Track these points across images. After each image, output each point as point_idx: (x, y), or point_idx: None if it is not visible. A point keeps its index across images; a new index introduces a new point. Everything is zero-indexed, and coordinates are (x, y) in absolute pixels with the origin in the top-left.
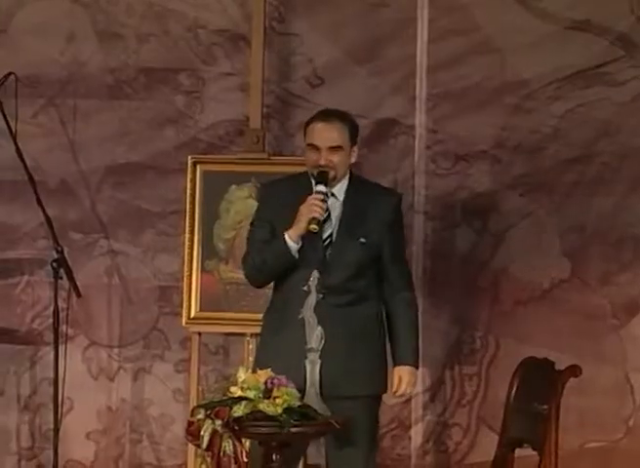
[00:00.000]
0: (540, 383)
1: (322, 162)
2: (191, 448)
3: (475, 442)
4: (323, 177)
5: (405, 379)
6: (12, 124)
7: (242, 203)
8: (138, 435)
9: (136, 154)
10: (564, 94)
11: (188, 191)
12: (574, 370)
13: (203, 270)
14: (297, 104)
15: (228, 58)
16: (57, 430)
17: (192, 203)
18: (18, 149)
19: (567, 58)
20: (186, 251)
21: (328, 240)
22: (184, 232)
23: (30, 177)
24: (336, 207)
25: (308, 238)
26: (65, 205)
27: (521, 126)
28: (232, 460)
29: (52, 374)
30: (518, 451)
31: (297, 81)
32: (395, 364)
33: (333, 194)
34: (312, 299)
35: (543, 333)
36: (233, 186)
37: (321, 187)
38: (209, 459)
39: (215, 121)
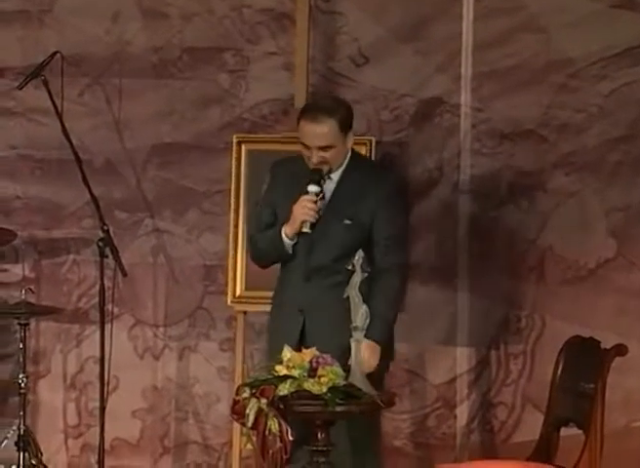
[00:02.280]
0: (586, 362)
1: (314, 160)
2: (236, 426)
3: (520, 421)
4: (316, 177)
5: (365, 354)
6: (57, 103)
7: None
8: (183, 413)
9: (181, 133)
10: (610, 72)
11: (233, 170)
12: (619, 349)
13: (248, 249)
14: (342, 83)
15: (273, 37)
16: (103, 408)
17: (237, 182)
18: (63, 128)
19: (613, 36)
20: (231, 230)
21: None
22: (229, 211)
23: (76, 156)
24: (329, 188)
25: None
26: (111, 184)
27: (567, 105)
28: (277, 439)
29: (98, 353)
30: (564, 430)
31: (341, 60)
32: None
33: (329, 176)
34: (357, 278)
35: (589, 312)
36: None
37: (313, 187)
38: (254, 438)
39: (259, 100)
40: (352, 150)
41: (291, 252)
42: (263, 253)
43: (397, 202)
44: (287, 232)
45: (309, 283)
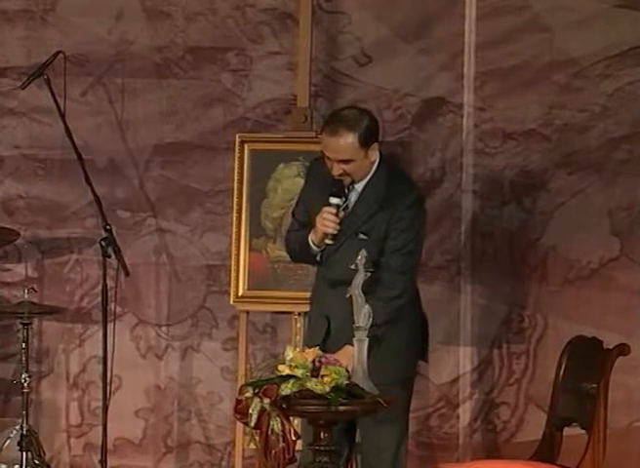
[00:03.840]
0: (589, 362)
1: (334, 172)
2: (239, 426)
3: (523, 420)
4: (337, 189)
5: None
6: (60, 102)
7: (290, 181)
8: (186, 413)
9: (183, 133)
10: (613, 72)
11: (236, 170)
12: (622, 349)
13: (251, 249)
14: (344, 83)
15: (276, 36)
16: (106, 408)
17: (240, 182)
18: (66, 128)
19: (616, 35)
20: (234, 229)
21: None
22: (232, 211)
23: (79, 156)
24: (352, 199)
25: None
26: (114, 183)
27: (570, 104)
28: (280, 438)
29: (100, 353)
30: (566, 430)
31: (344, 59)
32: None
33: (353, 187)
34: (360, 278)
35: (592, 312)
36: (281, 165)
37: (335, 200)
38: (257, 437)
39: (262, 100)
40: (382, 161)
41: (319, 258)
42: (295, 253)
43: (413, 223)
44: (313, 239)
45: (334, 290)
